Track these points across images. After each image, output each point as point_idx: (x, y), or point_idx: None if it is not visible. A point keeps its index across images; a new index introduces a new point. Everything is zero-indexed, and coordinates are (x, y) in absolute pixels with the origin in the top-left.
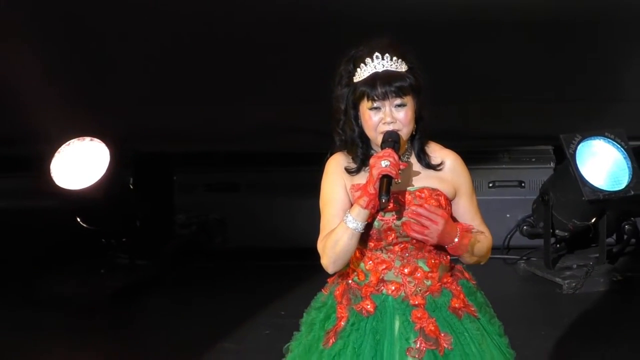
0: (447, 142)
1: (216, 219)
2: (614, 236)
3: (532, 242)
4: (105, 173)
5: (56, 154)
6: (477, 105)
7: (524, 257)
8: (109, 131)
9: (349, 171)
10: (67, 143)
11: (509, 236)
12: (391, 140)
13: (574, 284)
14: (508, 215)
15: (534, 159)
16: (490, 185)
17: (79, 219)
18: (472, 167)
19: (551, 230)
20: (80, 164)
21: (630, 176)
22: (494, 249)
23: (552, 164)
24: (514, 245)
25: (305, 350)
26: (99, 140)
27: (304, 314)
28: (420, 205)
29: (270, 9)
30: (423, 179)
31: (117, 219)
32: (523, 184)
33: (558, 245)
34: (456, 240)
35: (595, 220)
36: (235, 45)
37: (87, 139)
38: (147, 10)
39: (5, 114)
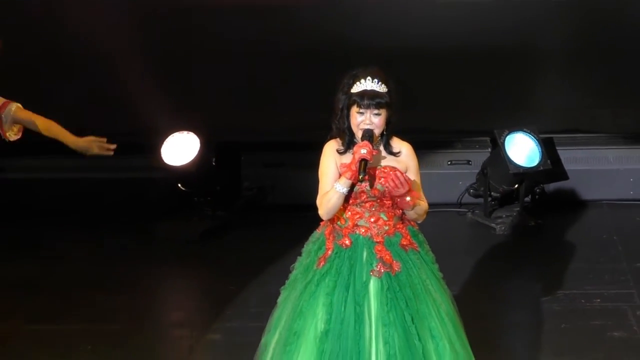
0: (420, 135)
1: (269, 185)
2: (529, 197)
3: (476, 200)
4: (197, 155)
5: (165, 142)
6: (440, 110)
7: (471, 210)
8: (200, 127)
9: (339, 152)
10: (172, 135)
11: (460, 196)
12: (368, 135)
13: (503, 228)
14: (460, 183)
15: (477, 146)
16: (449, 163)
17: (179, 185)
18: (436, 151)
19: (488, 192)
20: (180, 148)
21: (540, 158)
22: (451, 204)
23: (489, 149)
24: (464, 202)
25: (304, 269)
26: (192, 133)
27: (304, 245)
28: (404, 175)
29: (310, 48)
30: (387, 161)
31: (204, 184)
32: (470, 162)
33: (493, 202)
34: (407, 199)
35: (517, 186)
36: (283, 73)
37: (185, 132)
38: (224, 37)
39: (132, 115)
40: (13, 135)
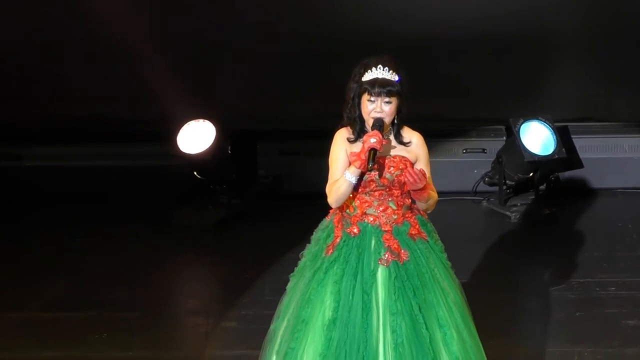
0: (436, 123)
1: (285, 173)
2: (544, 185)
3: (491, 189)
4: (213, 143)
5: (181, 130)
6: (456, 99)
7: (486, 198)
8: (216, 115)
9: (349, 141)
10: (188, 123)
11: (476, 184)
12: (378, 124)
13: (518, 216)
14: (475, 171)
15: (492, 134)
16: (464, 151)
17: (195, 173)
18: (452, 139)
19: (503, 181)
20: (196, 137)
21: (555, 146)
22: (467, 192)
23: (504, 138)
24: (479, 191)
25: (313, 257)
26: (208, 122)
27: (314, 233)
28: (422, 172)
29: (326, 36)
30: (397, 150)
31: (220, 172)
32: (485, 150)
33: (508, 190)
34: (424, 192)
35: (532, 175)
36: (298, 61)
37: (201, 120)
38: (241, 29)
39: (148, 103)
40: None
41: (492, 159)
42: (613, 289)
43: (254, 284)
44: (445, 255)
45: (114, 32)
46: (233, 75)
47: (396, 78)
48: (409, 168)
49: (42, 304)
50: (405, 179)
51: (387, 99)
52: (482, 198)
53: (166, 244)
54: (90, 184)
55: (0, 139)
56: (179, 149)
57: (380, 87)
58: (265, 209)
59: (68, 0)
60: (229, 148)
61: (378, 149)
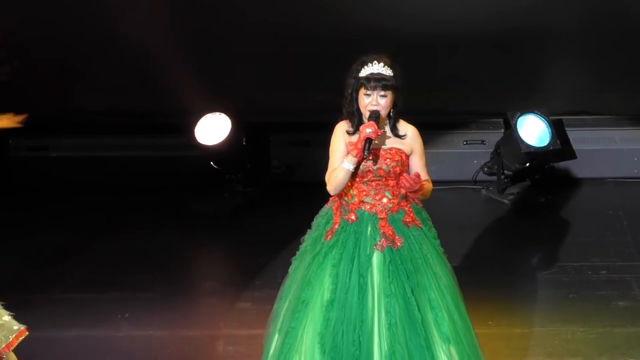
0: (438, 116)
1: (296, 163)
2: (540, 175)
3: (490, 178)
4: (228, 135)
5: (199, 123)
6: (456, 93)
7: (485, 187)
8: (231, 108)
9: (348, 133)
10: (205, 116)
11: (476, 174)
12: (374, 116)
13: (514, 204)
14: (475, 161)
15: (491, 127)
16: (464, 142)
17: (212, 163)
18: (453, 131)
19: (501, 170)
20: (213, 128)
21: (550, 138)
22: (467, 181)
23: (502, 130)
24: (479, 180)
25: (312, 242)
26: (224, 115)
27: (314, 219)
28: (417, 175)
29: (335, 32)
30: (392, 142)
31: (235, 162)
32: (484, 142)
33: (506, 180)
34: (419, 191)
35: (528, 165)
36: (309, 58)
37: (217, 113)
38: (253, 28)
39: (168, 97)
40: None
41: (491, 150)
42: (604, 272)
43: (267, 267)
44: (438, 242)
45: (134, 29)
46: (248, 71)
47: (391, 73)
48: (405, 174)
49: (67, 286)
50: (402, 185)
51: (382, 93)
52: (481, 187)
53: (184, 229)
54: (112, 173)
55: (28, 131)
56: (196, 140)
57: (375, 82)
58: (277, 197)
59: None
60: (244, 139)
61: (373, 138)
